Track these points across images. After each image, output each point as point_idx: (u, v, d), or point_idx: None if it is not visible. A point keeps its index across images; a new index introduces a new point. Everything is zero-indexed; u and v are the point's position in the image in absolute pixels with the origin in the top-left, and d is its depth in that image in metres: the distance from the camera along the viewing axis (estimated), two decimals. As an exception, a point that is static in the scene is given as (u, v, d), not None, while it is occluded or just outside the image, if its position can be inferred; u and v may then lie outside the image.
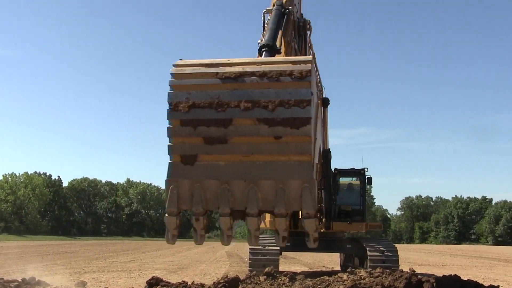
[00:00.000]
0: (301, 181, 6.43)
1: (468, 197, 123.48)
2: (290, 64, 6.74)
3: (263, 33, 9.81)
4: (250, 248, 18.40)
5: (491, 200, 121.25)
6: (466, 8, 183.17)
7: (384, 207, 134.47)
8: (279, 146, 6.50)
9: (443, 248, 70.99)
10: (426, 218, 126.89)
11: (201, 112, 6.59)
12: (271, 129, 6.49)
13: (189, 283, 11.54)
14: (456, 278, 10.30)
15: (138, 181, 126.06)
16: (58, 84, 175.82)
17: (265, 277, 15.02)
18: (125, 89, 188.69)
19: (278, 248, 18.32)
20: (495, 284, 10.43)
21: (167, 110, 6.72)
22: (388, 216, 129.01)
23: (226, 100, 6.57)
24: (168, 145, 6.71)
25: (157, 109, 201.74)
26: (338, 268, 22.87)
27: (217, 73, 6.71)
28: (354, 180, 20.47)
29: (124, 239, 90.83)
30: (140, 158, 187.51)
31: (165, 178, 6.76)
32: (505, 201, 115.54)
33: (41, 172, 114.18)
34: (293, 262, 29.27)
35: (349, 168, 19.94)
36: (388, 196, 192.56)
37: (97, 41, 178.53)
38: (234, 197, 6.56)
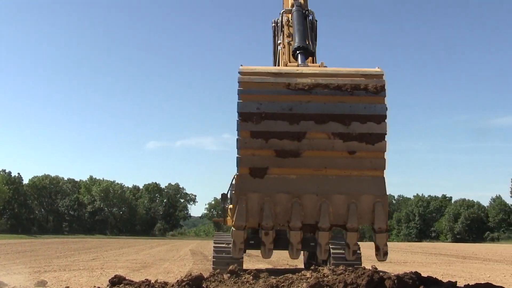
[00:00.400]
0: (373, 196, 6.53)
1: (429, 196, 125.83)
2: (362, 78, 6.58)
3: (283, 33, 9.74)
4: (214, 246, 18.37)
5: (450, 198, 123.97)
6: (455, 11, 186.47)
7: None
8: (353, 161, 6.47)
9: (405, 245, 72.18)
10: (389, 216, 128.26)
11: (273, 124, 6.36)
12: (345, 144, 6.43)
13: (153, 281, 11.43)
14: (416, 275, 10.50)
15: (101, 179, 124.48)
16: (17, 80, 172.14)
17: (229, 275, 15.02)
18: (86, 84, 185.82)
19: (242, 245, 18.33)
20: (453, 280, 10.65)
21: (237, 121, 6.39)
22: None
23: (300, 112, 6.38)
24: (237, 157, 6.42)
25: (121, 105, 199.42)
26: (302, 266, 23.02)
27: (288, 83, 6.46)
28: None
29: (86, 237, 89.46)
30: (104, 155, 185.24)
31: (232, 190, 6.58)
32: (464, 199, 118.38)
33: (1, 169, 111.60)
34: (257, 260, 29.33)
35: None
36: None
37: (51, 38, 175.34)
38: (305, 211, 6.50)
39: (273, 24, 12.08)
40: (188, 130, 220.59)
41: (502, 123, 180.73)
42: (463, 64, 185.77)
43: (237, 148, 6.41)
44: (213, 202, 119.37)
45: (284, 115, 6.34)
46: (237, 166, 6.43)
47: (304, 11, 9.88)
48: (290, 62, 8.92)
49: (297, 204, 6.41)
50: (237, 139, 6.39)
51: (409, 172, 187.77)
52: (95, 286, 12.90)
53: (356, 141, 6.39)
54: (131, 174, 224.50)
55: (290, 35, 9.54)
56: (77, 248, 43.99)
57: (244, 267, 17.76)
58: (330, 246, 18.44)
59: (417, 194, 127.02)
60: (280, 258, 30.97)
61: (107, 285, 11.34)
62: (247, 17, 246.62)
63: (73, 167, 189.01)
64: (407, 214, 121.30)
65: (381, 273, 10.71)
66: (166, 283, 11.26)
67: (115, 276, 11.47)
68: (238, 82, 6.51)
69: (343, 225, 6.59)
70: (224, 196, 19.61)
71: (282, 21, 10.11)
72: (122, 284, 11.02)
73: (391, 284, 10.04)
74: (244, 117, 6.36)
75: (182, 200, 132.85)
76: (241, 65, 6.75)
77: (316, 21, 12.62)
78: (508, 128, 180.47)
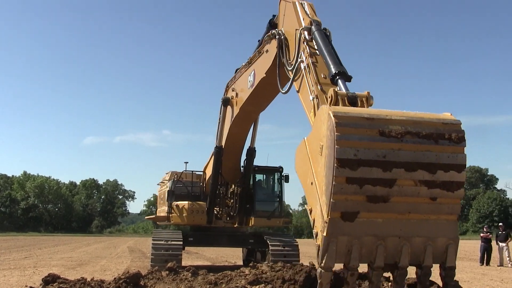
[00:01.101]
0: (447, 239, 6.89)
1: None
2: (443, 126, 6.88)
3: (304, 51, 9.61)
4: (152, 243, 18.21)
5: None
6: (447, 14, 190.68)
7: (287, 203, 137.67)
8: (433, 206, 6.77)
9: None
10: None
11: (368, 171, 6.49)
12: (429, 191, 6.70)
13: (89, 279, 11.20)
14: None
15: (36, 174, 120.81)
16: None
17: (167, 272, 14.91)
18: (22, 77, 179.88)
19: (181, 242, 18.28)
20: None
21: (334, 166, 6.42)
22: (290, 211, 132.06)
23: (392, 160, 6.58)
24: (331, 202, 6.45)
25: (58, 98, 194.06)
26: (241, 262, 23.13)
27: (382, 130, 6.61)
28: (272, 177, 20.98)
29: (18, 235, 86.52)
30: (39, 150, 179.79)
31: (323, 233, 6.58)
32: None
33: None
34: (196, 257, 29.30)
35: (266, 165, 20.32)
36: (290, 192, 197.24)
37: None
38: (387, 252, 6.73)
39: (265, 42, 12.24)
40: (128, 126, 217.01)
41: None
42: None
43: (331, 193, 6.50)
44: (152, 199, 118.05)
45: (379, 162, 6.56)
46: (328, 209, 6.54)
47: (324, 31, 9.82)
48: (319, 82, 8.94)
49: (382, 246, 6.72)
50: (333, 185, 6.45)
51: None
52: (26, 286, 12.50)
53: (439, 188, 6.76)
54: (68, 170, 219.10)
55: (312, 54, 9.50)
56: (8, 246, 42.39)
57: (183, 264, 17.67)
58: (269, 244, 18.70)
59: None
60: (219, 255, 31.05)
61: (40, 284, 11.02)
62: (182, 13, 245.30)
63: (5, 162, 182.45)
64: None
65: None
66: (102, 281, 11.05)
67: (49, 275, 11.16)
68: (335, 127, 6.52)
69: (419, 264, 6.98)
70: (170, 192, 19.43)
71: (300, 38, 9.87)
72: (56, 283, 10.72)
73: (328, 280, 10.23)
74: (341, 163, 6.44)
75: (120, 197, 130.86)
76: (329, 108, 6.83)
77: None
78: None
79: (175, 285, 13.37)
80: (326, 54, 9.04)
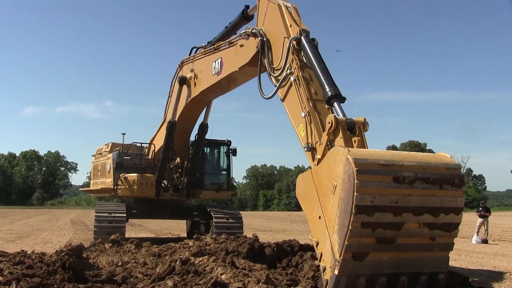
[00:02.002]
0: (440, 272, 7.44)
1: (309, 167, 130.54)
2: (446, 170, 7.28)
3: (292, 63, 9.47)
4: (95, 215, 18.01)
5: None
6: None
7: (232, 176, 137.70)
8: (432, 245, 7.28)
9: (285, 214, 75.04)
10: (270, 186, 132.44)
11: (382, 216, 6.80)
12: (430, 232, 7.19)
13: (29, 252, 11.02)
14: (295, 242, 11.00)
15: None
16: None
17: (110, 244, 14.85)
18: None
19: (124, 215, 18.18)
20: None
21: (352, 213, 6.63)
22: (235, 184, 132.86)
23: (403, 205, 6.92)
24: (345, 244, 6.72)
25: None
26: (185, 235, 23.22)
27: (395, 177, 6.89)
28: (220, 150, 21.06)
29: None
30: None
31: (333, 270, 6.87)
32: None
33: None
34: (140, 229, 29.16)
35: (214, 139, 20.34)
36: (235, 165, 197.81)
37: None
38: (387, 285, 7.13)
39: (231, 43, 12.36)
40: (69, 97, 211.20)
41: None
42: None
43: (344, 234, 6.77)
44: (92, 171, 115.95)
45: (391, 207, 6.89)
46: (341, 250, 6.81)
47: (313, 41, 9.67)
48: (311, 98, 8.89)
49: (384, 278, 7.13)
50: (349, 229, 6.69)
51: (290, 144, 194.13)
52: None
53: (439, 229, 7.26)
54: (7, 141, 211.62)
55: (302, 67, 9.34)
56: None
57: (126, 236, 17.60)
58: (213, 216, 18.86)
59: (298, 165, 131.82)
60: (163, 228, 31.02)
61: (-22, 258, 10.76)
62: None
63: None
64: (288, 184, 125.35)
65: (261, 241, 11.14)
66: (44, 254, 10.90)
67: (-13, 248, 10.94)
68: (355, 174, 6.68)
69: None
70: (119, 164, 19.20)
71: (289, 48, 9.63)
72: (-5, 256, 10.49)
73: (270, 252, 10.47)
74: (359, 210, 6.67)
75: (62, 169, 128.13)
76: (348, 152, 6.95)
77: None
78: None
79: (119, 257, 13.36)
80: (319, 72, 8.99)
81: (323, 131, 8.14)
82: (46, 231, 27.05)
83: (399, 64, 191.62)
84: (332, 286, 6.91)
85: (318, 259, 7.45)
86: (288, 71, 9.56)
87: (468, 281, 8.95)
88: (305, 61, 9.50)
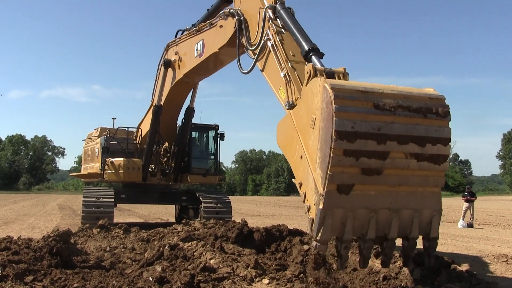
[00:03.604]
0: (432, 210, 7.19)
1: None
2: (430, 100, 7.08)
3: (269, 29, 9.51)
4: (83, 200, 17.94)
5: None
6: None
7: (220, 160, 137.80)
8: (420, 178, 7.05)
9: (273, 199, 75.24)
10: (259, 171, 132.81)
11: (365, 143, 6.58)
12: (418, 164, 6.97)
13: (15, 238, 10.95)
14: (283, 227, 11.03)
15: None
16: None
17: (98, 229, 14.82)
18: None
19: (113, 200, 18.14)
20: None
21: (333, 139, 6.42)
22: (223, 169, 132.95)
23: (386, 133, 6.71)
24: (328, 174, 6.48)
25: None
26: (173, 220, 23.22)
27: (376, 104, 6.69)
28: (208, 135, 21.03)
29: None
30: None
31: (318, 206, 6.58)
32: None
33: None
34: (128, 214, 29.12)
35: (202, 123, 20.31)
36: (223, 149, 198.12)
37: None
38: (378, 224, 6.87)
39: (220, 19, 12.06)
40: (55, 80, 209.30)
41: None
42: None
43: (328, 166, 6.53)
44: (82, 155, 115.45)
45: (374, 134, 6.67)
46: (324, 182, 6.58)
47: (289, 9, 9.70)
48: (289, 60, 8.87)
49: (373, 218, 6.87)
50: (331, 157, 6.48)
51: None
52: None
53: (427, 161, 7.04)
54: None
55: (278, 33, 9.37)
56: None
57: (115, 221, 17.56)
58: (202, 201, 18.87)
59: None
60: (152, 213, 30.98)
61: (-36, 243, 10.68)
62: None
63: None
64: (277, 169, 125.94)
65: (250, 226, 11.16)
66: (30, 240, 10.85)
67: (-26, 233, 10.85)
68: (333, 99, 6.51)
69: (405, 236, 7.22)
70: (105, 149, 19.11)
71: (265, 17, 9.73)
72: (-19, 241, 10.42)
73: (259, 236, 10.50)
74: (340, 135, 6.47)
75: (49, 153, 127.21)
76: (325, 80, 6.85)
77: None
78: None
79: (107, 242, 13.34)
80: (295, 31, 9.00)
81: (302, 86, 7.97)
82: (33, 217, 26.90)
83: (388, 50, 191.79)
84: (317, 223, 6.64)
85: (302, 200, 7.24)
86: (266, 38, 9.61)
87: (454, 265, 8.95)
88: (281, 26, 9.56)
